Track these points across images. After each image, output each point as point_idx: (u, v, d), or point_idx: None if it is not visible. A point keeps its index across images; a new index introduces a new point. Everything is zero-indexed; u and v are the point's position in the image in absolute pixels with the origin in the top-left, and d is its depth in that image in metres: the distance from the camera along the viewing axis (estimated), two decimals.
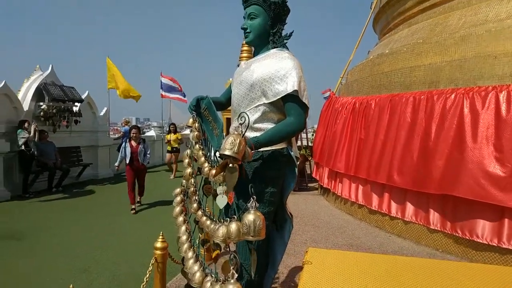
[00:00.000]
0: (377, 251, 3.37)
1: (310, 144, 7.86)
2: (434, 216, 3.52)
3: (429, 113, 3.59)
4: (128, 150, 5.31)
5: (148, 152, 5.55)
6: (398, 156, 3.85)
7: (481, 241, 3.09)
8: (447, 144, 3.35)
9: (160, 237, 2.10)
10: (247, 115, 1.39)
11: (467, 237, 3.18)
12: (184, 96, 13.12)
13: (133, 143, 5.41)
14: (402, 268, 1.70)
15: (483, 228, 3.11)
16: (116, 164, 5.50)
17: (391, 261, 1.83)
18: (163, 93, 12.64)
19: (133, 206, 5.24)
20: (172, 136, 8.99)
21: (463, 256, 3.24)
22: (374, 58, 5.15)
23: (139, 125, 9.99)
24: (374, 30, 7.27)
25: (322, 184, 5.85)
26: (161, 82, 12.59)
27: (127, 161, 5.26)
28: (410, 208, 3.79)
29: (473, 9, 3.99)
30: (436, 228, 3.48)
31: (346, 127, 4.99)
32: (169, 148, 9.06)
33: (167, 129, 10.06)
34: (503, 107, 3.04)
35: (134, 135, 5.44)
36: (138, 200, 5.63)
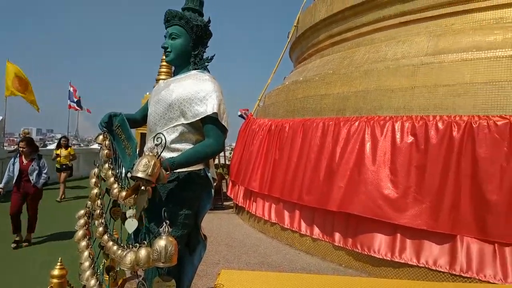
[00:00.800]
0: (286, 268, 3.48)
1: (228, 162, 7.92)
2: (338, 234, 3.78)
3: (336, 138, 3.89)
4: (17, 167, 4.28)
5: (45, 171, 4.42)
6: (308, 176, 4.08)
7: (377, 256, 3.39)
8: (349, 166, 3.66)
9: (58, 263, 1.89)
10: (164, 136, 1.36)
11: (366, 253, 3.47)
12: (79, 105, 12.43)
13: (24, 159, 4.35)
14: (307, 285, 1.78)
15: (380, 244, 3.42)
16: (1, 185, 4.35)
17: (297, 279, 1.91)
18: (71, 103, 11.70)
19: (16, 238, 4.11)
20: (62, 152, 7.55)
21: (362, 270, 3.51)
22: (290, 84, 5.46)
23: (40, 137, 8.78)
24: (290, 58, 7.72)
25: (237, 202, 5.90)
26: (69, 91, 11.65)
27: (14, 181, 4.20)
28: (317, 226, 4.02)
29: (375, 47, 4.49)
30: (339, 245, 3.73)
31: (262, 147, 5.15)
32: (57, 165, 7.52)
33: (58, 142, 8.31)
34: (398, 136, 3.44)
35: (23, 149, 4.34)
36: (26, 238, 4.27)
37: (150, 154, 1.28)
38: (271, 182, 4.68)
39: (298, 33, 6.48)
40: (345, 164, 3.69)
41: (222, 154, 8.31)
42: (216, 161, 8.30)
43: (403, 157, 3.35)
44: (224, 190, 7.38)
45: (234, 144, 7.68)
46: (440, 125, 3.19)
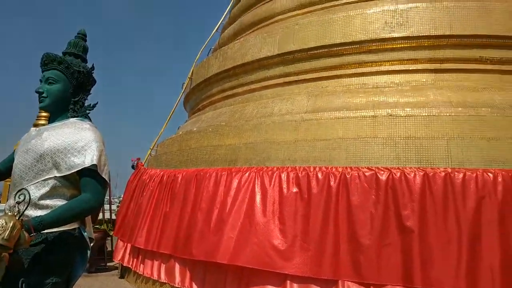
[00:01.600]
0: None
1: (114, 217, 7.29)
2: (230, 287, 3.70)
3: (228, 188, 3.94)
4: None
5: None
6: (199, 228, 3.98)
7: None
8: (239, 216, 3.70)
9: None
10: (28, 192, 1.19)
11: None
12: None
13: None
14: None
15: None
16: None
17: None
18: None
19: None
20: None
21: None
22: (183, 134, 5.45)
23: None
24: (184, 108, 7.79)
25: (122, 262, 5.38)
26: None
27: None
28: (209, 284, 3.87)
29: (263, 103, 4.83)
30: None
31: (152, 199, 4.90)
32: None
33: None
34: (284, 186, 3.64)
35: None
36: None
37: (9, 213, 1.10)
38: (161, 237, 4.42)
39: (192, 85, 6.63)
40: (236, 214, 3.73)
41: (108, 208, 7.64)
42: (101, 216, 7.57)
43: (289, 206, 3.54)
44: (109, 249, 6.70)
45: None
46: (319, 175, 3.50)
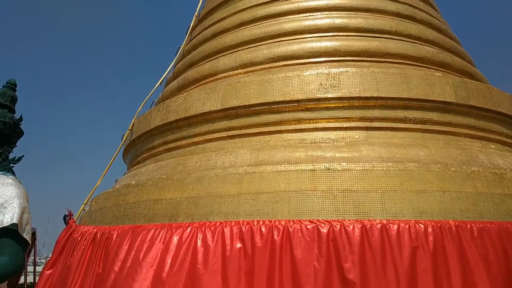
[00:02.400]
0: None
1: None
2: None
3: (167, 245, 3.73)
4: None
5: None
6: None
7: None
8: (181, 276, 3.48)
9: None
10: None
11: None
12: None
13: None
14: None
15: None
16: None
17: None
18: None
19: None
20: None
21: None
22: (121, 187, 5.17)
23: None
24: (124, 161, 7.48)
25: None
26: None
27: None
28: None
29: (206, 156, 4.81)
30: None
31: (83, 260, 4.46)
32: None
33: None
34: (228, 242, 3.54)
35: None
36: None
37: None
38: None
39: (133, 137, 6.45)
40: (177, 274, 3.51)
41: (32, 270, 6.77)
42: (22, 280, 6.67)
43: (233, 263, 3.42)
44: None
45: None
46: (263, 229, 3.47)
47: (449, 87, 4.66)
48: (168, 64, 7.22)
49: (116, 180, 6.79)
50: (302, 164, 4.05)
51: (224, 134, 4.96)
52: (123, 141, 6.82)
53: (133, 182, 5.05)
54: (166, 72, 7.10)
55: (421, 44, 5.69)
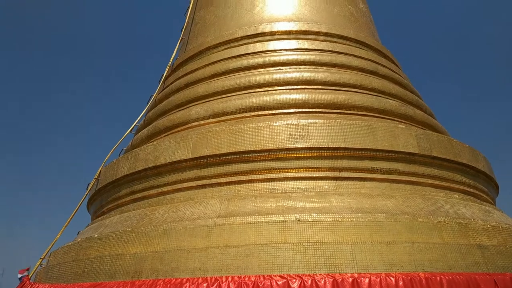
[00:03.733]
0: None
1: None
2: None
3: None
4: None
5: None
6: None
7: None
8: None
9: None
10: None
11: None
12: None
13: None
14: None
15: None
16: None
17: None
18: None
19: None
20: None
21: None
22: (82, 241, 4.88)
23: None
24: (88, 211, 7.14)
25: None
26: None
27: None
28: None
29: (175, 206, 4.67)
30: None
31: None
32: None
33: None
34: None
35: None
36: None
37: None
38: None
39: (98, 186, 6.21)
40: None
41: None
42: None
43: None
44: None
45: None
46: (232, 286, 3.32)
47: (412, 139, 4.86)
48: (139, 112, 7.20)
49: (78, 232, 6.42)
50: (273, 215, 3.99)
51: (193, 183, 4.87)
52: (88, 190, 6.55)
53: (96, 235, 4.79)
54: (137, 120, 7.05)
55: (385, 97, 5.99)
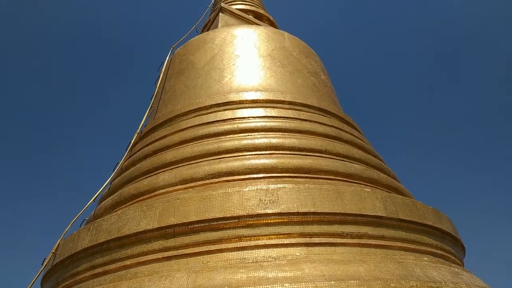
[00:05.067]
0: None
1: None
2: None
3: None
4: None
5: None
6: None
7: None
8: None
9: None
10: None
11: None
12: None
13: None
14: None
15: None
16: None
17: None
18: None
19: None
20: None
21: None
22: None
23: None
24: None
25: None
26: None
27: None
28: None
29: (138, 281, 4.36)
30: None
31: None
32: None
33: None
34: None
35: None
36: None
37: None
38: None
39: (55, 261, 5.75)
40: None
41: None
42: None
43: None
44: None
45: None
46: None
47: (378, 202, 4.96)
48: (104, 179, 6.99)
49: None
50: (243, 287, 3.80)
51: (159, 255, 4.62)
52: (44, 266, 6.03)
53: None
54: (101, 188, 6.81)
55: (350, 162, 6.20)
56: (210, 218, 4.69)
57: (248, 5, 13.85)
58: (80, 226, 6.30)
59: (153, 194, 5.74)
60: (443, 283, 4.13)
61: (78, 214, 6.38)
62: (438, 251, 5.17)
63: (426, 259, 4.83)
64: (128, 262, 4.73)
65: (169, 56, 10.27)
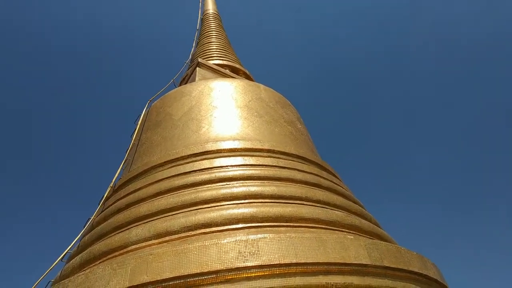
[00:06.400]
0: None
1: None
2: None
3: None
4: None
5: None
6: None
7: None
8: None
9: None
10: None
11: None
12: None
13: None
14: None
15: None
16: None
17: None
18: None
19: None
20: None
21: None
22: None
23: None
24: None
25: None
26: None
27: None
28: None
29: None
30: None
31: None
32: None
33: None
34: None
35: None
36: None
37: None
38: None
39: None
40: None
41: None
42: None
43: None
44: None
45: None
46: None
47: (362, 249, 4.78)
48: (73, 237, 6.55)
49: None
50: None
51: None
52: None
53: None
54: (70, 246, 6.35)
55: (331, 209, 6.08)
56: (186, 274, 4.36)
57: (225, 60, 14.36)
58: None
59: (125, 250, 5.37)
60: None
61: (43, 275, 5.86)
62: None
63: None
64: None
65: (146, 109, 10.29)
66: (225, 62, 14.18)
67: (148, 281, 4.36)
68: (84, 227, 6.79)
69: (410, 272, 4.97)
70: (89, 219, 6.90)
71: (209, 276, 4.35)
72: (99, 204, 7.30)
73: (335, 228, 5.61)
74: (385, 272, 4.75)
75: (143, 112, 10.10)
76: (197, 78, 11.85)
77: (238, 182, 6.35)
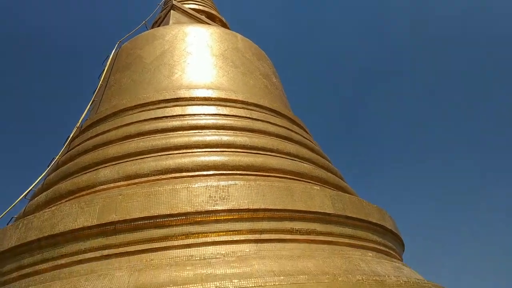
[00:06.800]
0: None
1: None
2: None
3: None
4: None
5: None
6: None
7: None
8: None
9: None
10: None
11: None
12: None
13: None
14: None
15: None
16: None
17: None
18: None
19: None
20: None
21: None
22: None
23: None
24: None
25: None
26: None
27: None
28: None
29: (74, 281, 3.98)
30: None
31: None
32: None
33: None
34: None
35: None
36: None
37: None
38: None
39: None
40: None
41: None
42: None
43: None
44: None
45: None
46: None
47: (327, 200, 5.03)
48: (37, 175, 6.39)
49: None
50: (190, 285, 3.62)
51: (98, 253, 4.27)
52: None
53: None
54: (34, 184, 6.21)
55: (300, 161, 6.26)
56: (155, 215, 4.43)
57: (201, 5, 13.69)
58: (7, 224, 5.66)
59: (92, 190, 5.33)
60: (386, 276, 4.26)
61: (5, 211, 5.75)
62: (381, 247, 5.36)
63: (371, 254, 4.98)
64: (62, 261, 4.31)
65: (115, 50, 9.76)
66: (201, 7, 13.53)
67: (117, 219, 4.39)
68: (48, 166, 6.61)
69: (369, 222, 5.32)
70: (53, 158, 6.71)
71: (178, 218, 4.45)
72: (64, 145, 7.08)
73: (303, 180, 5.82)
74: (346, 221, 5.06)
75: (112, 54, 9.60)
76: (171, 22, 11.29)
77: (210, 131, 6.33)
